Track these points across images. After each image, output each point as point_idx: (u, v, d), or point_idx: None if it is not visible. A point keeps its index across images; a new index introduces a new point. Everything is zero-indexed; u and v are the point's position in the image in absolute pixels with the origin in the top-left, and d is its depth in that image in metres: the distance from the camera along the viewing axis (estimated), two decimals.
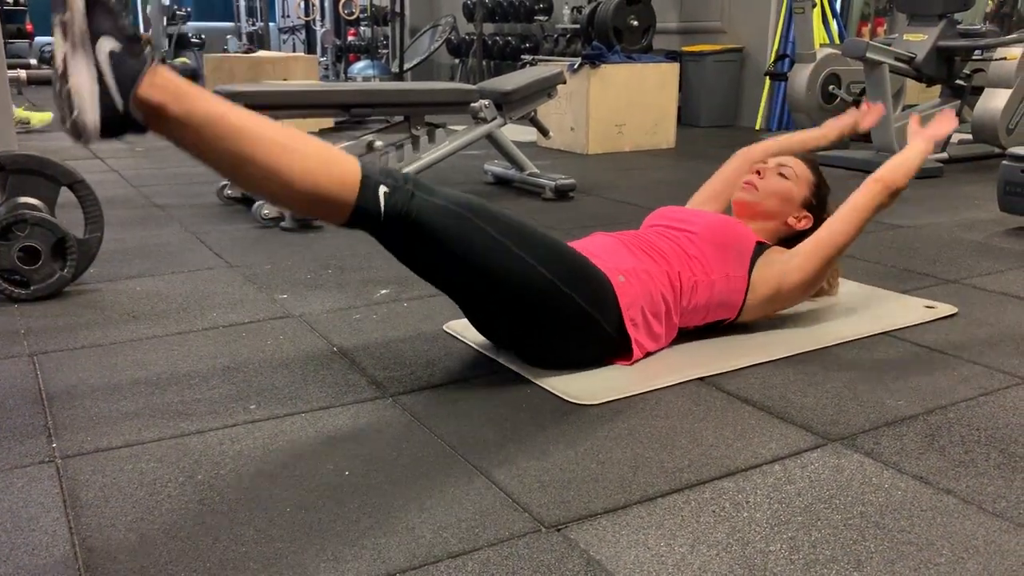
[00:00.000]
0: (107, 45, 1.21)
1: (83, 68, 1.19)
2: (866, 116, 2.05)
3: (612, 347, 1.60)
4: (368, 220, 1.39)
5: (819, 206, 1.92)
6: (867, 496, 1.17)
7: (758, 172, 1.91)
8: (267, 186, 1.35)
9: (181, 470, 1.23)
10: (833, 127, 2.08)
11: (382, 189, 1.38)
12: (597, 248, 1.68)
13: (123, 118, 1.22)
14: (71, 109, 1.19)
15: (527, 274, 1.47)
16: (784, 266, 1.76)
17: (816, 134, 2.10)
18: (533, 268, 1.47)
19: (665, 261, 1.68)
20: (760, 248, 1.78)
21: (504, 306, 1.52)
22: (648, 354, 1.65)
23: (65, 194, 2.11)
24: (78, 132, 1.21)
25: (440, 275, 1.53)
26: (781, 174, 1.89)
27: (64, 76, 1.19)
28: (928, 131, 1.90)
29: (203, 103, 1.29)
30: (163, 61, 1.53)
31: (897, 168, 1.81)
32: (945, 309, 1.98)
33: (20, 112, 5.28)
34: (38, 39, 12.58)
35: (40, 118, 5.47)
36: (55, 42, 1.20)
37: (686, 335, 1.74)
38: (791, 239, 1.86)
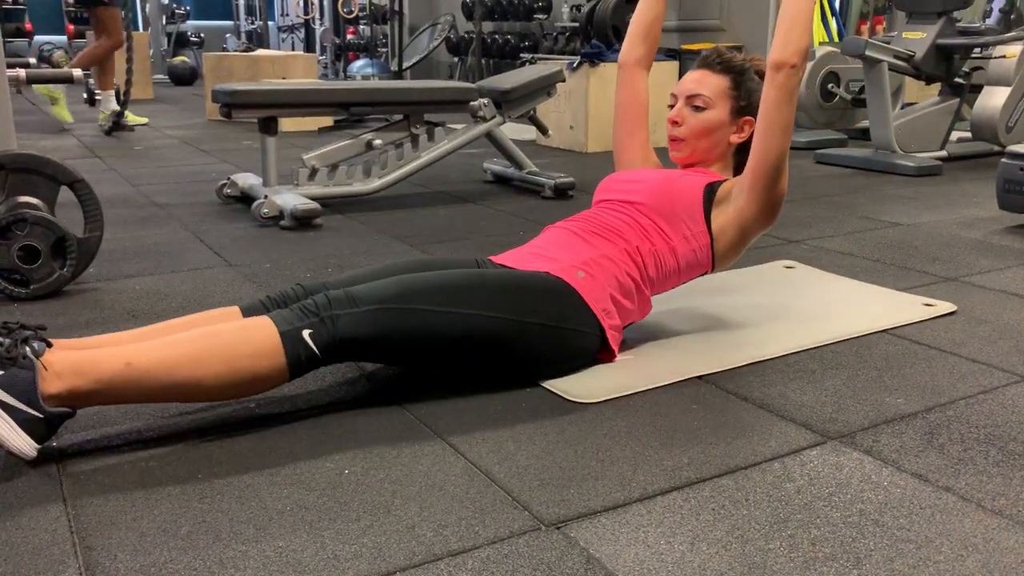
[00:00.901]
0: None
1: None
2: None
3: (597, 343, 1.59)
4: (310, 364, 1.37)
5: (750, 103, 1.75)
6: (866, 494, 1.17)
7: (675, 121, 1.76)
8: (205, 395, 1.34)
9: (181, 469, 1.23)
10: None
11: (305, 333, 1.35)
12: (550, 246, 1.66)
13: (49, 421, 1.22)
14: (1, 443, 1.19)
15: (484, 326, 1.45)
16: (737, 203, 1.67)
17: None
18: (486, 319, 1.45)
19: (622, 239, 1.65)
20: (710, 192, 1.68)
21: (483, 359, 1.49)
22: (628, 349, 1.64)
23: (65, 193, 2.11)
24: (21, 458, 1.21)
25: (412, 362, 1.49)
26: (695, 107, 1.74)
27: None
28: None
29: (104, 365, 1.25)
30: (39, 332, 1.44)
31: (786, 39, 1.58)
32: (944, 307, 1.98)
33: (129, 116, 5.38)
34: (37, 38, 12.58)
35: (136, 119, 5.56)
36: None
37: (681, 330, 1.73)
38: (745, 151, 1.72)
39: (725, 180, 1.73)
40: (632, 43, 1.94)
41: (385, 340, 1.40)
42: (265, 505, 1.14)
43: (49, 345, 1.27)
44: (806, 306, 1.96)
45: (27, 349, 1.23)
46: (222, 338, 1.32)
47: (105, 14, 5.27)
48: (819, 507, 1.14)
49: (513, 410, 1.43)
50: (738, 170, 1.77)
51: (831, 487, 1.19)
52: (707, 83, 1.75)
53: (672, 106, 1.79)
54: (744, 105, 1.75)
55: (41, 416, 1.21)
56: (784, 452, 1.29)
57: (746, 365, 1.63)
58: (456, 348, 1.45)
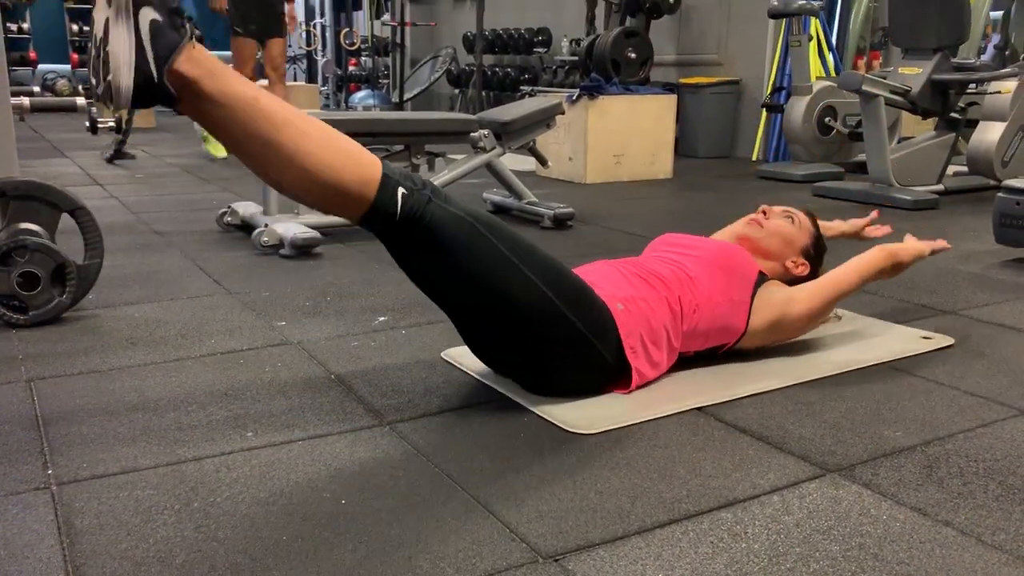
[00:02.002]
0: (149, 15, 1.24)
1: (123, 34, 1.22)
2: (873, 229, 2.20)
3: (610, 374, 1.60)
4: (383, 219, 1.40)
5: (816, 258, 1.98)
6: (865, 527, 1.17)
7: (764, 212, 1.96)
8: (288, 173, 1.36)
9: (177, 497, 1.23)
10: (837, 227, 2.21)
11: (400, 190, 1.40)
12: (596, 275, 1.68)
13: (156, 87, 1.24)
14: (106, 72, 1.22)
15: (531, 293, 1.47)
16: (789, 297, 1.79)
17: (820, 224, 2.16)
18: (537, 287, 1.48)
19: (664, 286, 1.68)
20: (763, 277, 1.80)
21: (504, 324, 1.51)
22: (648, 382, 1.65)
23: (66, 220, 2.11)
24: (110, 96, 1.24)
25: (442, 286, 1.52)
26: (788, 217, 1.97)
27: (104, 41, 1.22)
28: (931, 243, 2.02)
29: (237, 84, 1.32)
30: (200, 41, 1.54)
31: (906, 246, 1.96)
32: (942, 340, 1.99)
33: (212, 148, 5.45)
34: (41, 67, 12.68)
35: (219, 151, 5.59)
36: (96, 6, 1.23)
37: (685, 362, 1.74)
38: (787, 283, 1.88)
39: (774, 279, 1.87)
40: None
41: (451, 244, 1.43)
42: (262, 535, 1.13)
43: (203, 43, 1.31)
44: (805, 338, 1.96)
45: (188, 23, 1.27)
46: (340, 141, 1.38)
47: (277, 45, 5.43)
48: (818, 540, 1.13)
49: (511, 440, 1.43)
50: None
51: (830, 520, 1.19)
52: (803, 216, 2.00)
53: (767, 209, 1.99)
54: (812, 254, 1.97)
55: (155, 78, 1.23)
56: (783, 485, 1.29)
57: (745, 397, 1.63)
58: (494, 297, 1.47)
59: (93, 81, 1.27)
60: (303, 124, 1.35)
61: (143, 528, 1.14)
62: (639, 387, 1.63)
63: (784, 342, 1.87)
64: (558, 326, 1.50)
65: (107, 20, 1.22)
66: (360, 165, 1.39)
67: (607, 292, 1.61)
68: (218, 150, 5.66)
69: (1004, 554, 1.10)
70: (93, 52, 1.26)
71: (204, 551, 1.09)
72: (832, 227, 2.20)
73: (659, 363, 1.66)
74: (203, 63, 1.28)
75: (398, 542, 1.11)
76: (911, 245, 1.98)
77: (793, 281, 1.90)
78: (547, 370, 1.56)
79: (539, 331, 1.51)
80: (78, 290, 2.08)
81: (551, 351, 1.53)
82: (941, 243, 2.05)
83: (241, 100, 1.31)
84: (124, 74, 1.22)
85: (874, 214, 2.26)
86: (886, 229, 2.21)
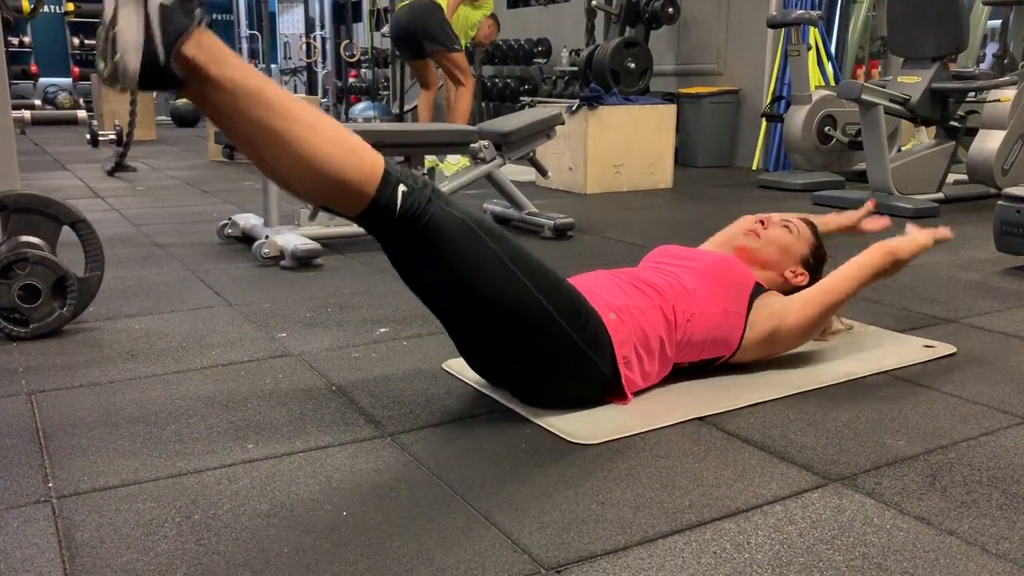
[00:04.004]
0: None
1: (132, 15, 1.22)
2: (869, 222, 2.16)
3: (606, 387, 1.59)
4: (382, 216, 1.40)
5: (816, 267, 1.96)
6: (869, 537, 1.16)
7: (762, 222, 1.95)
8: (290, 165, 1.36)
9: (178, 510, 1.22)
10: (833, 221, 2.17)
11: (401, 188, 1.39)
12: (591, 284, 1.67)
13: (163, 71, 1.24)
14: (113, 52, 1.22)
15: (526, 301, 1.47)
16: (784, 308, 1.77)
17: (815, 218, 2.14)
18: (533, 296, 1.47)
19: (658, 295, 1.67)
20: (759, 288, 1.79)
21: (498, 332, 1.50)
22: (639, 392, 1.64)
23: (67, 233, 2.12)
24: (116, 77, 1.23)
25: (437, 289, 1.52)
26: (785, 226, 1.94)
27: (112, 22, 1.22)
28: (934, 231, 1.98)
29: (243, 72, 1.31)
30: (209, 26, 1.53)
31: (904, 242, 1.89)
32: (944, 348, 1.98)
33: (446, 164, 5.33)
34: (42, 80, 12.73)
35: (451, 167, 5.50)
36: None
37: (681, 373, 1.73)
38: (785, 293, 1.87)
39: (771, 289, 1.84)
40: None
41: (448, 246, 1.43)
42: (263, 547, 1.12)
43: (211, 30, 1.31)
44: (806, 347, 1.96)
45: (199, 9, 1.26)
46: (343, 134, 1.38)
47: (457, 59, 5.55)
48: (821, 550, 1.13)
49: (512, 451, 1.43)
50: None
51: (833, 530, 1.18)
52: (802, 224, 1.98)
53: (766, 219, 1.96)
54: (812, 263, 1.94)
55: (162, 61, 1.23)
56: (786, 495, 1.29)
57: (747, 407, 1.63)
58: (489, 303, 1.46)
59: (101, 64, 1.27)
60: (308, 116, 1.35)
61: (144, 541, 1.14)
62: (636, 395, 1.62)
63: (781, 354, 1.85)
64: (552, 335, 1.50)
65: (116, 1, 1.23)
66: (362, 160, 1.38)
67: (600, 302, 1.60)
68: (449, 167, 5.50)
69: (1008, 563, 1.10)
70: (102, 34, 1.26)
71: (205, 564, 1.08)
72: (828, 221, 2.16)
73: (651, 373, 1.65)
74: (211, 49, 1.28)
75: (400, 554, 1.11)
76: (910, 239, 1.91)
77: (792, 291, 1.88)
78: (541, 381, 1.56)
79: (533, 340, 1.50)
80: (79, 303, 2.08)
81: (544, 361, 1.53)
82: (943, 231, 1.98)
83: (246, 88, 1.31)
84: (131, 56, 1.22)
85: (869, 205, 2.21)
86: (884, 222, 2.15)
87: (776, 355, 1.84)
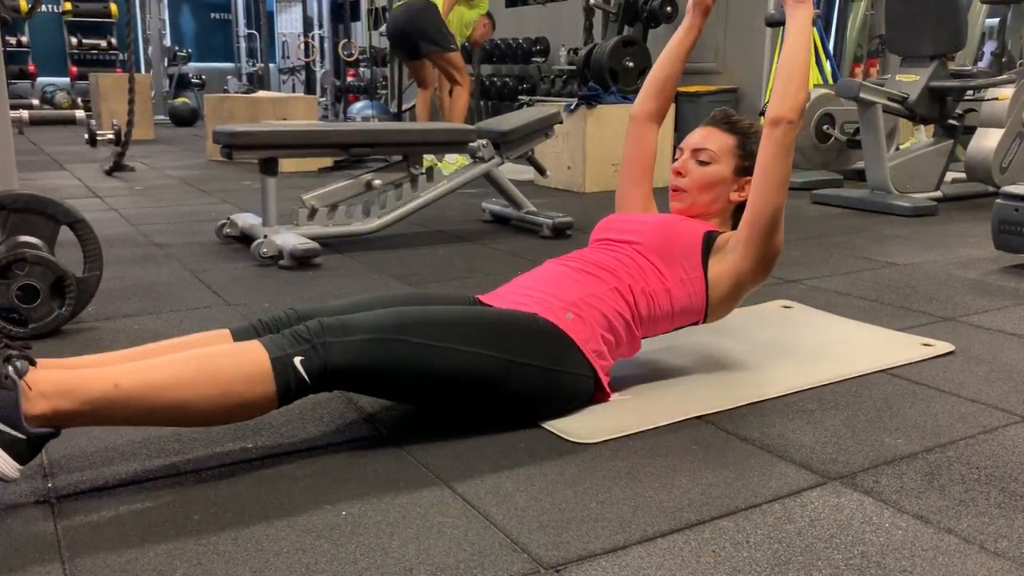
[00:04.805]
0: None
1: None
2: None
3: (591, 385, 1.58)
4: (298, 392, 1.34)
5: (752, 165, 1.74)
6: (867, 535, 1.16)
7: (679, 172, 1.81)
8: (193, 419, 1.32)
9: (177, 510, 1.22)
10: (694, 4, 1.93)
11: (296, 360, 1.33)
12: (539, 284, 1.65)
13: (32, 442, 1.20)
14: None
15: (475, 365, 1.43)
16: (734, 255, 1.68)
17: (684, 26, 1.96)
18: (479, 357, 1.43)
19: (614, 277, 1.65)
20: (709, 240, 1.70)
21: (474, 397, 1.48)
22: (631, 385, 1.63)
23: (65, 233, 2.11)
24: (2, 479, 1.19)
25: (403, 397, 1.49)
26: (700, 161, 1.79)
27: None
28: None
29: (91, 385, 1.23)
30: (24, 351, 1.39)
31: (783, 94, 1.63)
32: (942, 347, 1.98)
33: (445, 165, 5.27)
34: (40, 79, 12.72)
35: (450, 166, 5.38)
36: None
37: (685, 370, 1.73)
38: (740, 207, 1.78)
39: (723, 232, 1.75)
40: (645, 97, 2.00)
41: (376, 371, 1.38)
42: (262, 547, 1.13)
43: (33, 364, 1.24)
44: (804, 346, 1.96)
45: (10, 368, 1.21)
46: (213, 361, 1.30)
47: (453, 59, 5.53)
48: (820, 549, 1.13)
49: (511, 451, 1.43)
50: (735, 227, 1.77)
51: (832, 529, 1.18)
52: (713, 139, 1.80)
53: (677, 158, 1.83)
54: (747, 165, 1.78)
55: (24, 437, 1.18)
56: (784, 493, 1.29)
57: (745, 405, 1.63)
58: (447, 385, 1.44)
59: None
60: (173, 374, 1.27)
61: (143, 541, 1.14)
62: (630, 391, 1.61)
63: (764, 281, 1.75)
64: (521, 378, 1.47)
65: None
66: (247, 371, 1.30)
67: (555, 303, 1.58)
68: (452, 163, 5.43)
69: (1007, 561, 1.10)
70: None
71: (204, 564, 1.08)
72: (695, 19, 1.95)
73: (620, 349, 1.65)
74: (47, 391, 1.20)
75: (399, 553, 1.11)
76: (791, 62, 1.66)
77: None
78: (531, 408, 1.53)
79: (507, 389, 1.47)
80: (77, 303, 2.08)
81: (524, 395, 1.50)
82: None
83: (105, 397, 1.23)
84: (1, 463, 1.18)
85: None
86: None
87: (754, 289, 1.75)
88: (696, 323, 1.74)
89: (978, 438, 1.49)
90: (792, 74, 1.64)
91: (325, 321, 1.38)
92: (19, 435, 1.18)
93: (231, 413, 1.33)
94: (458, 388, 1.45)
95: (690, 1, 1.95)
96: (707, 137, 1.81)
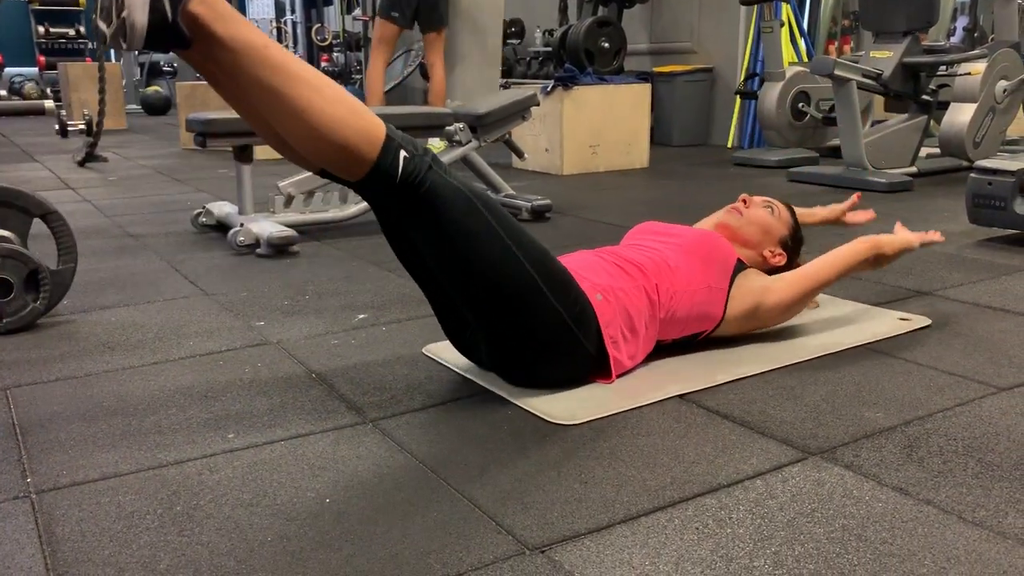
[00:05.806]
0: None
1: None
2: (854, 215, 2.22)
3: (591, 365, 1.60)
4: (382, 181, 1.38)
5: (794, 248, 1.99)
6: (848, 509, 1.18)
7: (744, 201, 1.97)
8: (292, 127, 1.34)
9: (159, 502, 1.21)
10: (819, 213, 2.22)
11: (403, 153, 1.37)
12: (577, 264, 1.68)
13: (170, 28, 1.22)
14: (120, 9, 1.20)
15: (518, 273, 1.46)
16: (765, 287, 1.80)
17: (802, 211, 2.17)
18: (524, 269, 1.46)
19: (642, 275, 1.68)
20: (741, 265, 1.81)
21: (487, 303, 1.49)
22: (625, 372, 1.65)
23: (38, 225, 2.09)
24: (123, 35, 1.21)
25: (429, 260, 1.50)
26: (767, 207, 1.97)
27: None
28: (922, 234, 2.02)
29: (249, 31, 1.30)
30: None
31: (891, 239, 1.95)
32: (919, 321, 2.00)
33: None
34: (8, 70, 12.50)
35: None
36: None
37: (664, 350, 1.74)
38: (765, 272, 1.89)
39: (752, 267, 1.86)
40: None
41: (446, 214, 1.41)
42: (246, 536, 1.12)
43: None
44: (783, 322, 1.97)
45: None
46: (346, 97, 1.36)
47: (443, 37, 5.43)
48: (802, 523, 1.14)
49: (495, 433, 1.43)
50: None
51: (813, 503, 1.20)
52: (782, 207, 2.01)
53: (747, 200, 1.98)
54: (790, 244, 1.97)
55: (170, 17, 1.22)
56: (766, 469, 1.30)
57: (726, 383, 1.64)
58: (483, 272, 1.46)
59: (102, 24, 1.24)
60: (312, 77, 1.33)
61: (126, 534, 1.13)
62: (619, 376, 1.63)
63: (760, 330, 1.87)
64: (542, 311, 1.50)
65: None
66: (365, 124, 1.36)
67: (587, 282, 1.60)
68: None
69: (985, 531, 1.12)
70: None
71: (188, 555, 1.08)
72: (813, 214, 2.21)
73: (636, 354, 1.66)
74: (217, 7, 1.26)
75: (384, 539, 1.11)
76: (897, 237, 1.96)
77: (770, 271, 1.90)
78: (529, 359, 1.56)
79: (522, 312, 1.50)
80: (52, 296, 2.05)
81: (533, 337, 1.53)
82: (934, 235, 2.02)
83: (251, 47, 1.29)
84: (139, 12, 1.20)
85: (855, 198, 2.25)
86: (869, 214, 2.21)
87: (756, 331, 1.86)
88: (704, 331, 1.78)
89: (955, 410, 1.51)
90: (904, 242, 1.96)
91: (436, 155, 1.45)
92: (171, 13, 1.22)
93: (328, 147, 1.35)
94: (485, 282, 1.47)
95: (823, 212, 2.23)
96: (779, 203, 2.01)
